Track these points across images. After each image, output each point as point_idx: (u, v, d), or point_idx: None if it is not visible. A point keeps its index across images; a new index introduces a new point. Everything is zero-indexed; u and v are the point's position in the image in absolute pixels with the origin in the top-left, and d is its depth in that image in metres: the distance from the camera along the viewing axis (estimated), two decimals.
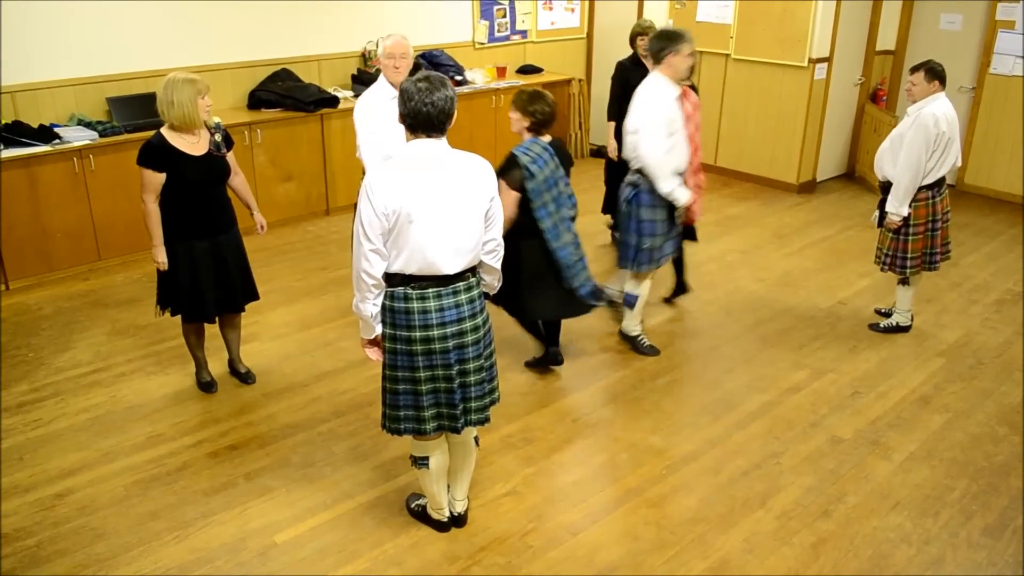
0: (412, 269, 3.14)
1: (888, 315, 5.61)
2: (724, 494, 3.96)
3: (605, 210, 6.80)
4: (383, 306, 3.24)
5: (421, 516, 3.74)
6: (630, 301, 5.16)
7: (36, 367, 4.99)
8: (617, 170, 5.93)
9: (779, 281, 6.30)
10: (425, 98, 3.01)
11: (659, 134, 4.66)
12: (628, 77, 5.94)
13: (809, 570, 3.50)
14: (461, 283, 3.23)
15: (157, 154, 4.20)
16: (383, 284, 3.20)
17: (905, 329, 5.51)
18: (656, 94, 4.71)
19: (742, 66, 8.46)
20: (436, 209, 3.07)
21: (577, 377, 4.96)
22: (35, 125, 6.06)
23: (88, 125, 6.23)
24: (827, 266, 6.54)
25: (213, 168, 4.36)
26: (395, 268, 3.15)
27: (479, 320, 3.31)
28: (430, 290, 3.18)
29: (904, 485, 4.03)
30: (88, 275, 6.25)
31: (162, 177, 4.21)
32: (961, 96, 8.24)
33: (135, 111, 6.44)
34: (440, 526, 3.70)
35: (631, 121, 4.78)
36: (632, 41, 6.29)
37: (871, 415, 4.60)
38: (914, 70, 5.02)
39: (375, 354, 3.40)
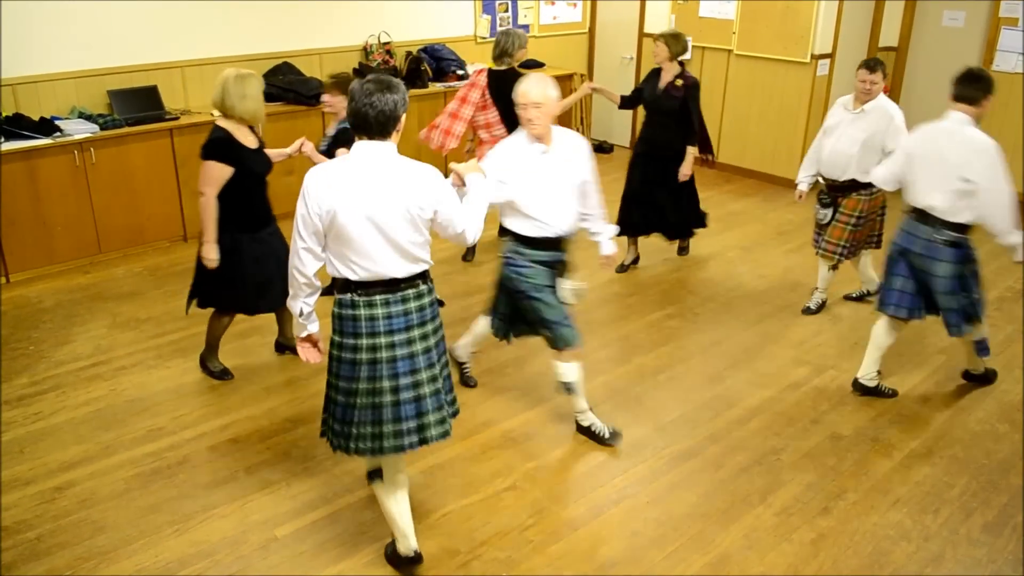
0: (356, 275, 3.06)
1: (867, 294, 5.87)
2: (724, 490, 3.96)
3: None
4: (332, 313, 3.18)
5: (391, 559, 3.46)
6: None
7: (36, 360, 4.99)
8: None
9: (781, 278, 6.30)
10: (366, 99, 2.91)
11: None
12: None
13: (809, 566, 3.50)
14: (411, 290, 3.15)
15: (226, 148, 4.25)
16: (315, 284, 3.15)
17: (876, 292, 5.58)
18: None
19: (744, 62, 8.46)
20: (370, 213, 2.95)
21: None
22: (36, 118, 6.06)
23: (89, 118, 6.23)
24: None
25: (266, 161, 4.49)
26: (340, 273, 3.09)
27: (428, 328, 3.21)
28: (377, 297, 3.10)
29: (904, 482, 4.03)
30: (89, 268, 6.25)
31: (228, 171, 4.25)
32: None
33: (136, 104, 6.44)
34: (400, 561, 3.40)
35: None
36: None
37: (872, 412, 4.60)
38: (874, 69, 5.07)
39: (310, 354, 3.34)
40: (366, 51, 7.90)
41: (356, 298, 3.10)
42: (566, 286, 4.16)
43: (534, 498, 3.89)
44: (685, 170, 5.94)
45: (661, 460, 4.16)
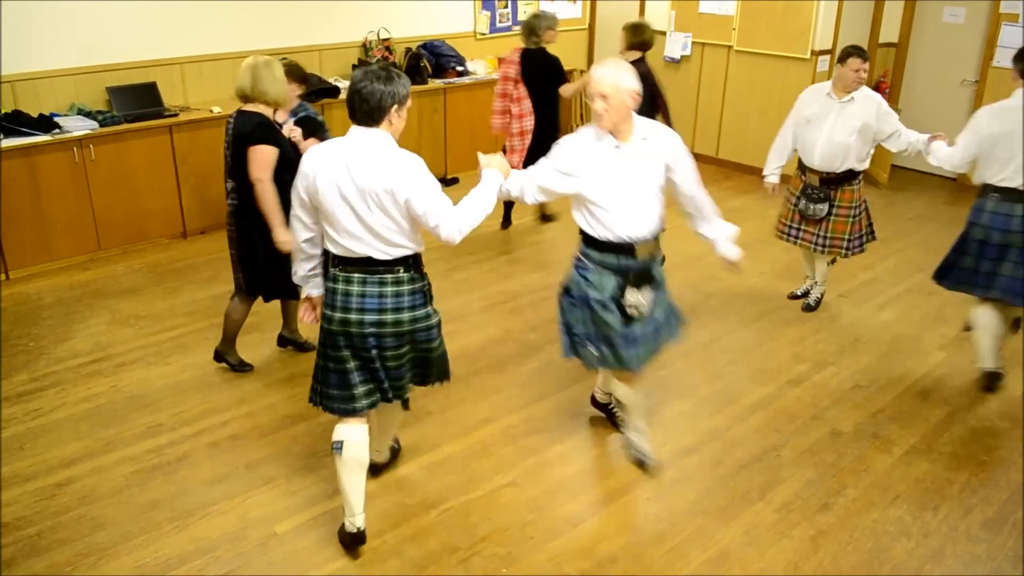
0: (336, 249, 3.22)
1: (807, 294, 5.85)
2: (724, 486, 3.96)
3: None
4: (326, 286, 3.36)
5: (340, 537, 3.57)
6: None
7: (36, 357, 4.99)
8: None
9: (780, 274, 6.30)
10: (355, 86, 3.07)
11: None
12: None
13: (808, 563, 3.50)
14: (389, 275, 3.23)
15: (272, 130, 4.32)
16: (307, 252, 3.39)
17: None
18: None
19: (744, 58, 8.45)
20: (345, 192, 3.09)
21: (577, 369, 4.93)
22: (35, 115, 6.05)
23: (88, 115, 6.22)
24: None
25: (291, 143, 4.52)
26: (329, 247, 3.27)
27: (404, 316, 3.26)
28: (355, 274, 3.23)
29: (904, 478, 4.03)
30: (88, 265, 6.25)
31: (276, 153, 4.29)
32: (964, 89, 8.23)
33: (135, 101, 6.44)
34: (345, 539, 3.50)
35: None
36: None
37: (872, 408, 4.60)
38: (866, 58, 5.07)
39: (307, 315, 3.53)
40: (365, 47, 7.89)
41: (337, 272, 3.26)
42: (628, 300, 3.66)
43: (534, 494, 3.89)
44: None
45: (661, 456, 4.16)
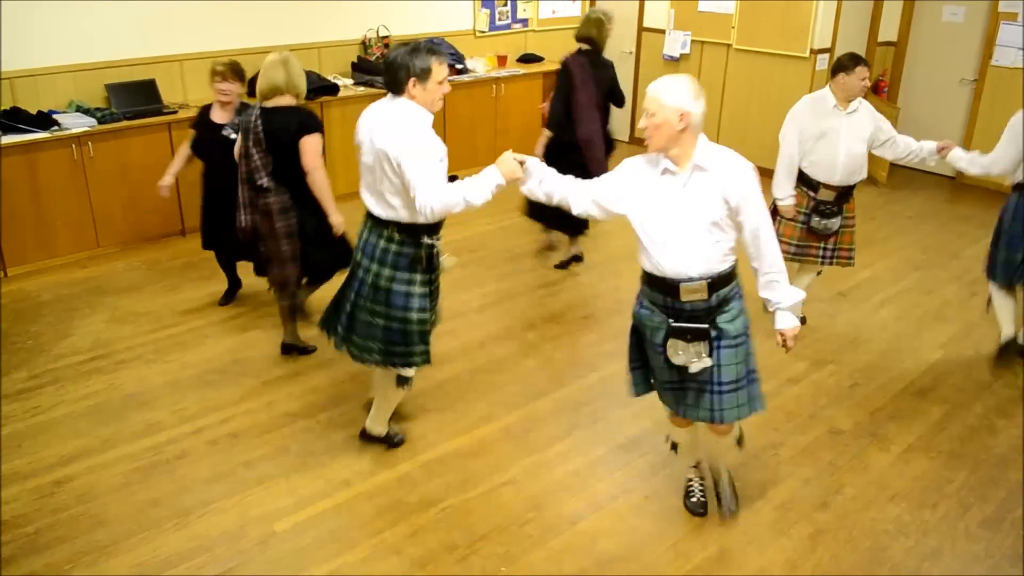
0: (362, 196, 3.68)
1: None
2: None
3: None
4: None
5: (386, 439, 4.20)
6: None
7: (35, 354, 4.99)
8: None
9: None
10: (388, 56, 3.51)
11: None
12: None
13: (807, 561, 3.50)
14: (383, 229, 3.64)
15: (319, 121, 4.59)
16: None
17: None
18: None
19: (744, 56, 8.45)
20: (365, 149, 3.57)
21: (575, 367, 4.96)
22: (34, 111, 6.04)
23: (87, 112, 6.21)
24: None
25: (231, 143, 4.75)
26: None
27: (385, 271, 3.66)
28: (369, 220, 3.70)
29: (902, 477, 4.04)
30: (87, 262, 6.24)
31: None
32: (963, 88, 8.23)
33: (133, 98, 6.43)
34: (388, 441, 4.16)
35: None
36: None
37: (870, 407, 4.60)
38: (867, 65, 4.90)
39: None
40: (364, 45, 7.89)
41: (365, 218, 3.73)
42: (669, 351, 3.28)
43: (533, 493, 3.89)
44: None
45: (660, 455, 4.16)
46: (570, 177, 3.48)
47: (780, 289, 3.32)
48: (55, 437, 4.22)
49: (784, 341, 3.38)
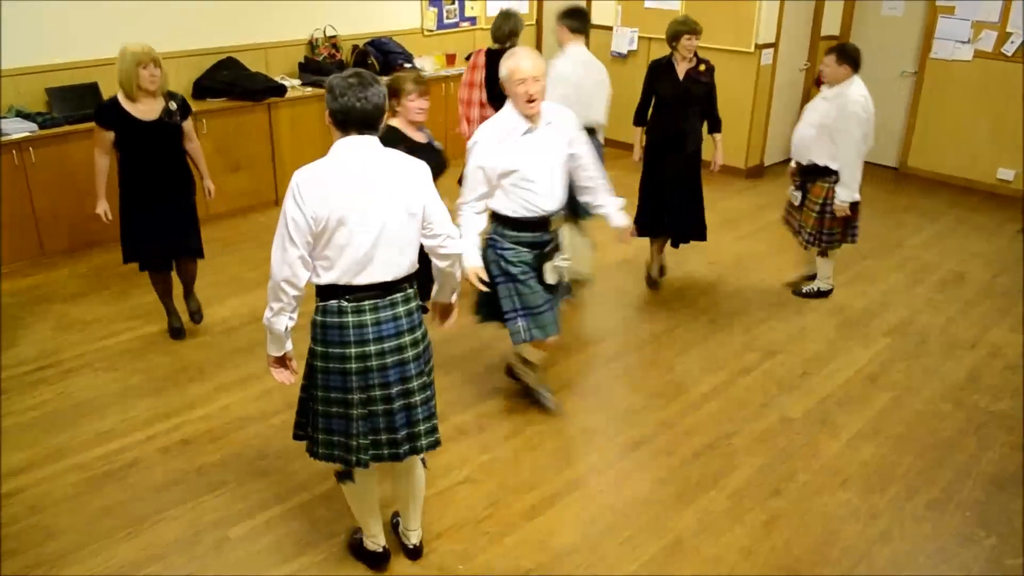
0: (346, 279, 2.93)
1: (811, 278, 5.93)
2: (677, 475, 4.01)
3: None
4: (313, 322, 3.02)
5: (356, 551, 3.48)
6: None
7: None
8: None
9: (731, 265, 6.38)
10: (359, 94, 2.82)
11: None
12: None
13: (762, 547, 3.56)
14: (399, 294, 3.03)
15: (107, 114, 4.66)
16: (302, 296, 2.97)
17: (826, 294, 5.83)
18: None
19: None
20: (368, 212, 2.86)
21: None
22: None
23: (27, 117, 6.08)
24: (778, 249, 6.62)
25: (162, 133, 4.71)
26: (327, 279, 2.93)
27: (418, 334, 3.12)
28: (367, 303, 2.97)
29: (852, 462, 4.12)
30: (30, 270, 6.11)
31: (110, 135, 4.65)
32: (903, 80, 8.41)
33: (75, 102, 6.29)
34: (375, 559, 3.42)
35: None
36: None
37: (820, 394, 4.68)
38: (828, 52, 5.23)
39: (286, 376, 3.16)
40: (312, 45, 7.82)
41: (344, 304, 2.97)
42: (549, 265, 4.03)
43: (488, 490, 3.90)
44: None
45: (614, 448, 4.20)
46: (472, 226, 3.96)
47: (606, 194, 4.20)
48: (3, 449, 4.13)
49: (625, 235, 4.35)
